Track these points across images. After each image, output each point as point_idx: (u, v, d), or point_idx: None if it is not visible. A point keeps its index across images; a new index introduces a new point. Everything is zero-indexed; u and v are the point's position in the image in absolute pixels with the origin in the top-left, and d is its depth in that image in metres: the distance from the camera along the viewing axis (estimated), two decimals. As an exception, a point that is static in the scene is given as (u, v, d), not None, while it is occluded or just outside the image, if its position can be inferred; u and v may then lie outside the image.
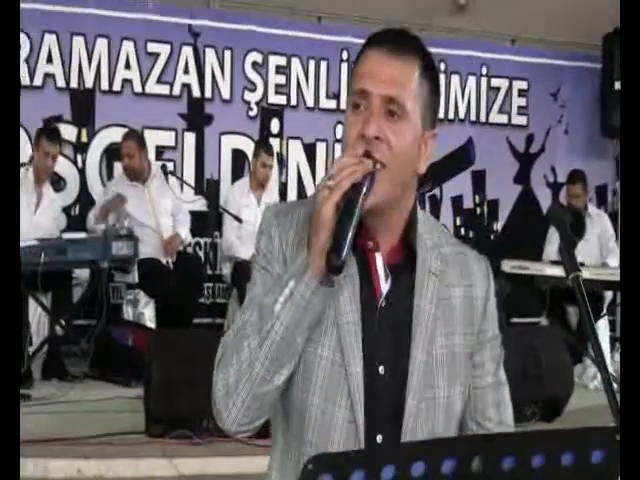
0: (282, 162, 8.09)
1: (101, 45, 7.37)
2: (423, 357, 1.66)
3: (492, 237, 8.96)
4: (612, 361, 7.19)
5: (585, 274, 6.61)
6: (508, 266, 7.03)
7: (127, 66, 7.50)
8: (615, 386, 5.96)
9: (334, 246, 1.53)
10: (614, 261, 7.67)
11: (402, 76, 1.63)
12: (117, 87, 7.45)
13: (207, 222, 7.15)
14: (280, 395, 1.67)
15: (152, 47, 7.62)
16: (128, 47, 7.50)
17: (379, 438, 1.65)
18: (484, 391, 1.75)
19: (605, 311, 7.37)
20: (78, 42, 7.27)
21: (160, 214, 6.91)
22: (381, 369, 1.65)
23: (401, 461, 1.22)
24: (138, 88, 7.55)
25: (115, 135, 7.32)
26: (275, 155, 7.62)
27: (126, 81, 7.50)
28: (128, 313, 6.65)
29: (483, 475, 1.26)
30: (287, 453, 1.71)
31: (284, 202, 1.63)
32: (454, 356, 1.70)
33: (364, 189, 1.57)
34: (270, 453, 1.78)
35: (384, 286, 1.67)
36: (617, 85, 8.59)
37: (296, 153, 8.21)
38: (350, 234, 1.54)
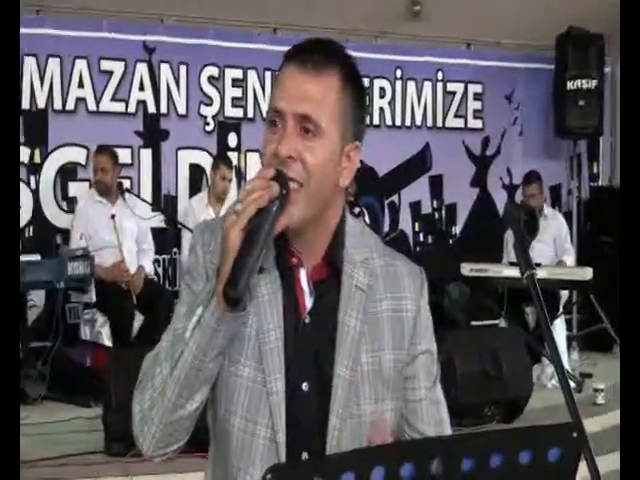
0: (241, 175, 8.08)
1: (53, 64, 7.32)
2: (347, 373, 1.63)
3: (451, 241, 9.01)
4: (569, 359, 7.23)
5: (541, 274, 6.68)
6: (467, 269, 7.07)
7: (80, 85, 7.46)
8: (572, 384, 6.00)
9: (230, 279, 1.50)
10: (569, 261, 7.76)
11: (316, 92, 1.60)
12: (70, 106, 7.40)
13: (165, 238, 7.12)
14: (211, 417, 1.68)
15: (106, 65, 7.58)
16: (81, 66, 7.46)
17: (304, 455, 1.62)
18: (419, 405, 1.71)
19: (561, 310, 7.43)
20: (29, 63, 7.21)
21: (124, 237, 6.83)
22: (304, 386, 1.63)
23: (360, 467, 1.22)
24: (92, 106, 7.50)
25: (69, 155, 7.29)
26: (234, 168, 7.61)
27: (80, 100, 7.46)
28: (85, 333, 6.60)
29: (443, 477, 1.26)
30: (216, 477, 1.72)
31: (214, 218, 1.60)
32: (382, 372, 1.66)
33: (272, 214, 1.54)
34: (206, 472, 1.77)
35: (308, 302, 1.64)
36: (570, 85, 8.70)
37: (255, 166, 8.18)
38: (251, 265, 1.50)
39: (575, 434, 1.34)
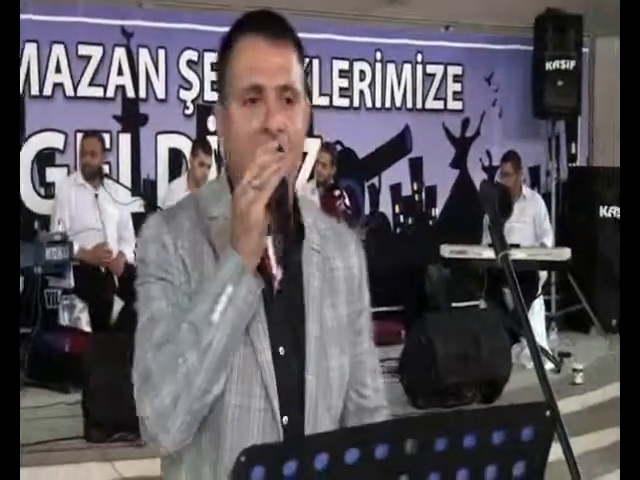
0: (220, 160, 8.05)
1: (30, 49, 7.26)
2: (317, 331, 1.68)
3: (431, 223, 9.02)
4: (548, 340, 7.28)
5: (520, 255, 6.71)
6: (447, 251, 7.08)
7: (58, 70, 7.40)
8: (551, 365, 6.01)
9: (281, 234, 1.61)
10: (549, 241, 7.80)
11: (287, 62, 1.65)
12: (48, 92, 7.35)
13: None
14: None
15: (83, 50, 7.52)
16: (58, 51, 7.40)
17: (285, 420, 1.64)
18: (363, 358, 1.81)
19: (540, 291, 7.46)
20: (6, 48, 7.14)
21: (107, 220, 6.81)
22: (281, 350, 1.65)
23: (335, 449, 1.22)
24: (70, 92, 7.45)
25: (47, 140, 7.25)
26: (213, 153, 7.60)
27: (57, 85, 7.40)
28: (64, 318, 6.56)
29: (417, 457, 1.26)
30: (197, 470, 1.66)
31: (169, 207, 1.62)
32: (340, 327, 1.73)
33: (287, 183, 1.59)
34: (166, 472, 1.72)
35: (276, 271, 1.67)
36: (548, 66, 8.72)
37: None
38: (290, 224, 1.61)
39: (548, 413, 1.34)
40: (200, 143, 7.51)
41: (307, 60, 1.75)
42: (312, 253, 1.72)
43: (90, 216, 6.75)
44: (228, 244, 1.58)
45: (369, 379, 1.82)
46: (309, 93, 1.77)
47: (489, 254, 6.74)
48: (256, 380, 1.62)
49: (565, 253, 7.05)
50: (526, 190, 8.03)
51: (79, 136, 7.21)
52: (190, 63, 7.97)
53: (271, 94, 1.62)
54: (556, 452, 1.49)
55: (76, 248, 6.56)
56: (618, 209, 8.97)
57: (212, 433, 1.62)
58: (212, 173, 7.53)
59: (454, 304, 7.92)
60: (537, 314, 7.24)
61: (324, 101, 8.42)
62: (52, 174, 7.21)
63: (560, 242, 7.98)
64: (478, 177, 9.01)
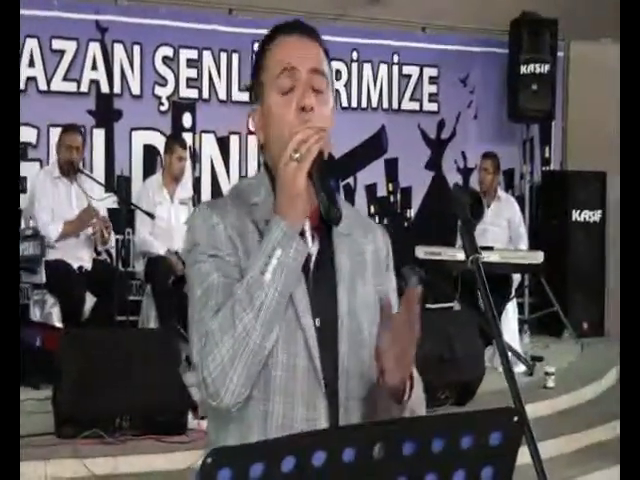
0: (195, 156, 8.04)
1: (3, 43, 7.21)
2: (347, 307, 1.82)
3: (406, 224, 9.03)
4: (521, 343, 7.31)
5: (494, 257, 6.74)
6: (422, 252, 7.11)
7: (31, 64, 7.35)
8: (523, 368, 6.03)
9: (330, 200, 1.74)
10: (524, 246, 7.83)
11: (317, 52, 1.87)
12: (21, 86, 7.27)
13: (119, 219, 7.05)
14: None
15: (57, 44, 7.47)
16: (32, 44, 7.35)
17: (324, 381, 1.78)
18: None
19: (514, 294, 7.50)
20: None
21: None
22: (317, 321, 1.79)
23: (301, 452, 1.22)
24: (43, 86, 7.41)
25: (21, 135, 7.15)
26: (188, 149, 7.57)
27: (30, 79, 7.35)
28: (35, 314, 6.52)
29: (384, 461, 1.27)
30: (247, 426, 1.77)
31: (216, 199, 1.88)
32: (371, 303, 1.86)
33: (324, 155, 1.74)
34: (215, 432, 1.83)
35: (312, 248, 1.82)
36: (523, 69, 8.76)
37: (209, 147, 8.16)
38: (334, 189, 1.76)
39: (516, 418, 1.35)
40: (175, 138, 7.47)
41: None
42: (342, 236, 1.86)
43: (65, 210, 6.71)
44: (273, 216, 1.73)
45: None
46: (334, 95, 1.95)
47: (463, 256, 6.75)
48: (299, 342, 1.76)
49: (538, 256, 7.09)
50: (501, 192, 8.07)
51: (52, 130, 7.17)
52: (165, 59, 7.95)
53: (304, 76, 1.81)
54: (525, 455, 1.49)
55: (55, 235, 6.53)
56: (591, 213, 9.03)
57: (261, 389, 1.75)
58: (187, 170, 7.49)
59: (428, 305, 7.94)
60: (510, 317, 7.28)
61: (300, 100, 8.40)
62: (24, 169, 7.15)
63: (533, 245, 8.03)
64: (453, 179, 9.04)
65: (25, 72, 7.32)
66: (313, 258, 1.83)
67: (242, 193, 1.88)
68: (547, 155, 9.72)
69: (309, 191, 1.75)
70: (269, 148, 1.87)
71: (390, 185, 8.93)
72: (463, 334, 6.06)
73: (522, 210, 8.40)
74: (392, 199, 8.96)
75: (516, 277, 7.65)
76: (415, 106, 9.06)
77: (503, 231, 7.80)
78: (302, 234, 1.78)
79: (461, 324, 6.21)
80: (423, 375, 1.91)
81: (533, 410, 5.59)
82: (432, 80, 9.12)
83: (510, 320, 7.22)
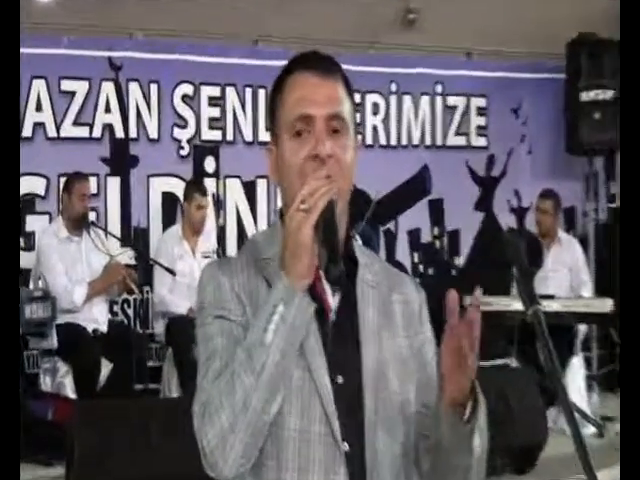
0: (219, 204, 8.05)
1: (7, 86, 7.30)
2: (374, 361, 1.86)
3: (454, 272, 8.97)
4: (589, 402, 7.20)
5: (555, 306, 6.61)
6: (472, 303, 7.01)
7: (39, 108, 7.44)
8: (593, 429, 5.88)
9: (331, 257, 1.76)
10: (587, 293, 7.71)
11: (336, 93, 1.89)
12: (28, 132, 7.36)
13: (136, 276, 7.05)
14: None
15: (67, 85, 7.56)
16: (39, 86, 7.44)
17: (345, 445, 1.80)
18: (432, 380, 1.91)
19: (579, 347, 7.40)
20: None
21: (94, 274, 6.80)
22: (339, 379, 1.83)
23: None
24: (52, 132, 7.48)
25: (27, 186, 7.22)
26: (211, 196, 7.58)
27: (38, 125, 7.43)
28: (46, 383, 6.53)
29: None
30: None
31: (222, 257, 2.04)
32: (401, 356, 1.91)
33: (336, 205, 1.78)
34: None
35: (332, 301, 1.88)
36: (584, 96, 8.68)
37: (234, 193, 8.18)
38: (339, 245, 1.79)
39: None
40: (194, 184, 7.49)
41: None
42: (367, 288, 1.92)
43: (82, 270, 6.75)
44: (277, 272, 1.78)
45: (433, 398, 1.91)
46: (359, 130, 2.09)
47: (519, 306, 6.66)
48: (315, 405, 1.80)
49: (606, 304, 6.96)
50: (562, 234, 7.98)
51: (63, 181, 7.21)
52: (185, 98, 8.01)
53: (320, 123, 1.84)
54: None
55: (81, 299, 6.55)
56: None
57: (273, 460, 1.79)
58: (211, 219, 7.50)
59: (481, 363, 7.83)
60: (576, 373, 7.19)
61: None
62: (32, 222, 7.19)
63: (600, 291, 7.89)
64: (506, 220, 8.97)
65: (32, 117, 7.41)
66: (333, 310, 1.87)
67: (256, 246, 1.94)
68: (613, 191, 9.61)
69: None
70: (284, 195, 1.93)
71: (435, 229, 8.88)
72: (521, 393, 5.99)
73: (586, 252, 8.29)
74: (438, 245, 8.91)
75: (582, 328, 7.54)
76: (462, 141, 9.05)
77: (565, 277, 7.72)
78: (314, 287, 1.82)
79: (519, 382, 6.16)
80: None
81: (606, 478, 5.45)
82: (480, 111, 9.11)
83: (576, 376, 7.12)
